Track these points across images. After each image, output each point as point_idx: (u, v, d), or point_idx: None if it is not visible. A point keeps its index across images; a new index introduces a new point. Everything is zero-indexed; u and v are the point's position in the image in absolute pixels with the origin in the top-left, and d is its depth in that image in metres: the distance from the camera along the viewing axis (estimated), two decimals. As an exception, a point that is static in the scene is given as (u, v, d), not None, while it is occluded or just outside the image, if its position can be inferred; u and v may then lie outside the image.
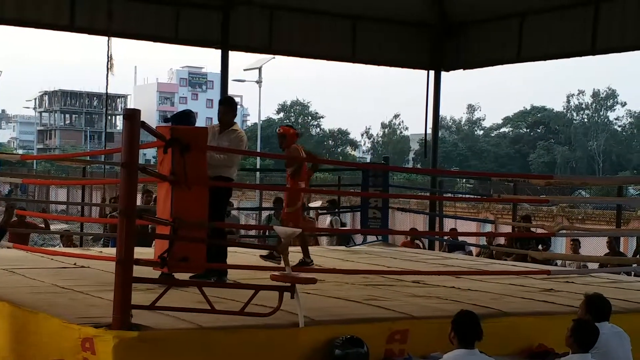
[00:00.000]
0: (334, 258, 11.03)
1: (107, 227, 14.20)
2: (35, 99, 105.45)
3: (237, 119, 8.66)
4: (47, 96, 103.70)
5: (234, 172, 8.06)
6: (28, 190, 43.84)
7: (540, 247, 13.75)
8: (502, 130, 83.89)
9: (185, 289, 6.50)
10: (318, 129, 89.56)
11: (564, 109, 79.20)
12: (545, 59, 16.49)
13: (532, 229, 14.31)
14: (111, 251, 9.62)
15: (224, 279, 7.63)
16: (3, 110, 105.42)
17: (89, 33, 15.14)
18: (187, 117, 7.96)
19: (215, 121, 8.32)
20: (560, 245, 22.24)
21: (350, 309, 6.54)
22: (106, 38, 14.04)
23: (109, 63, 13.21)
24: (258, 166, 42.39)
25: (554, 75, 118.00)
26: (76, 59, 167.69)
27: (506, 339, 6.42)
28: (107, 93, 14.47)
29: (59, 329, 5.55)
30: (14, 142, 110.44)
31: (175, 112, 8.48)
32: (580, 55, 15.76)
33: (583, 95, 77.62)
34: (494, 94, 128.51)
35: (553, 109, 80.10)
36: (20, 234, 13.09)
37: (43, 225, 14.91)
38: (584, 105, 78.03)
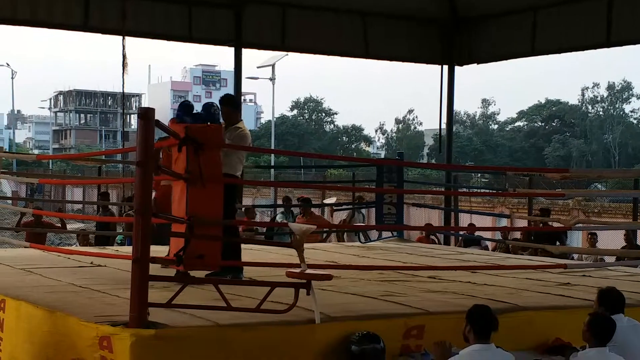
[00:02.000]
0: (349, 254, 11.03)
1: (124, 226, 14.27)
2: (50, 99, 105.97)
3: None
4: (62, 96, 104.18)
5: (238, 170, 7.98)
6: (44, 190, 44.04)
7: (557, 243, 13.67)
8: (516, 124, 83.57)
9: (201, 286, 6.52)
10: (332, 125, 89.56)
11: (579, 102, 78.87)
12: (559, 52, 16.43)
13: (549, 223, 14.25)
14: (127, 250, 9.67)
15: (239, 276, 7.65)
16: (18, 111, 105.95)
17: (103, 33, 15.21)
18: (189, 108, 7.95)
19: None
20: (577, 239, 22.15)
21: (366, 305, 6.54)
22: (119, 37, 14.09)
23: (124, 62, 13.26)
24: (272, 163, 42.48)
25: (569, 68, 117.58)
26: (90, 59, 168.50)
27: (523, 333, 6.41)
28: (123, 92, 14.52)
29: (77, 328, 5.57)
30: (29, 143, 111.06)
31: (181, 103, 8.45)
32: (595, 48, 15.69)
33: (598, 88, 77.33)
34: (509, 87, 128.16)
35: (568, 102, 79.75)
36: (37, 234, 13.18)
37: (60, 225, 15.00)
38: (599, 98, 77.62)
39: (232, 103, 8.19)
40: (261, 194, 35.83)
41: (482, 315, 5.17)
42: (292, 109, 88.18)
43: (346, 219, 16.29)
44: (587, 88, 77.97)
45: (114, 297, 6.50)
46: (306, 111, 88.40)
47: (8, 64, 66.50)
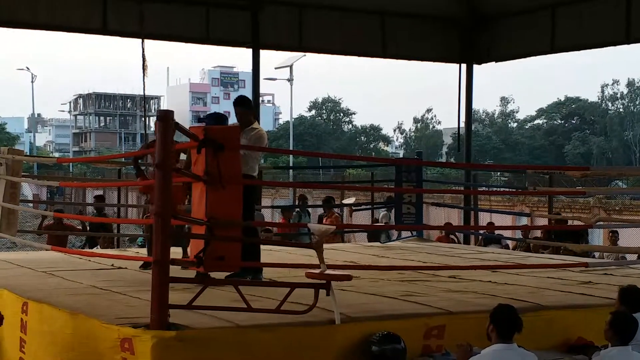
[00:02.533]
0: (369, 254, 11.02)
1: (143, 228, 14.31)
2: (70, 103, 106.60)
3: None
4: (81, 99, 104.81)
5: (255, 170, 7.99)
6: (65, 193, 44.31)
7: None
8: (536, 122, 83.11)
9: (222, 287, 6.53)
10: (350, 125, 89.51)
11: (598, 99, 78.33)
12: (578, 50, 16.34)
13: (569, 222, 14.18)
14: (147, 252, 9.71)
15: (259, 277, 7.66)
16: (39, 115, 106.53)
17: (121, 36, 15.28)
18: (221, 118, 7.96)
19: None
20: (598, 237, 21.99)
21: (387, 305, 6.52)
22: (137, 40, 14.14)
23: (144, 65, 13.30)
24: (291, 164, 42.49)
25: (588, 65, 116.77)
26: (109, 62, 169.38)
27: (545, 332, 6.37)
28: (144, 95, 14.57)
29: (98, 330, 5.60)
30: (50, 146, 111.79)
31: (208, 113, 8.49)
32: (614, 45, 15.59)
33: (618, 84, 76.75)
34: (527, 85, 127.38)
35: (588, 100, 79.22)
36: (58, 237, 13.26)
37: (80, 227, 15.08)
38: (618, 95, 77.06)
39: (245, 104, 8.20)
40: (280, 195, 35.86)
41: (506, 316, 5.13)
42: (310, 110, 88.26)
43: (379, 219, 16.28)
44: (606, 85, 77.51)
45: (135, 299, 6.53)
46: (324, 111, 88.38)
47: (28, 68, 67.04)
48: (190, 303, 5.49)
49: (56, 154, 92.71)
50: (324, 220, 14.02)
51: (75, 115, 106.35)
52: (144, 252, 10.69)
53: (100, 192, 16.72)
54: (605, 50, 16.58)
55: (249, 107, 8.20)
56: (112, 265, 8.83)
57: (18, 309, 6.69)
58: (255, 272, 7.71)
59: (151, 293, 5.25)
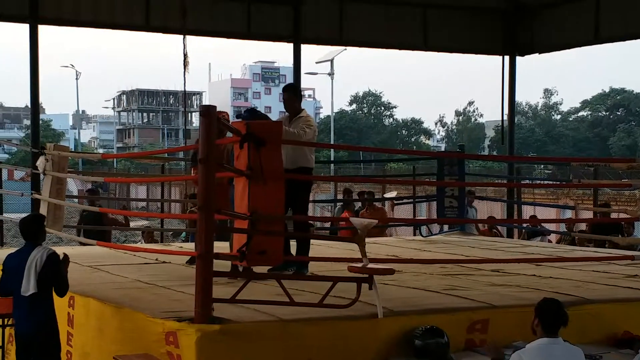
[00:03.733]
0: (411, 248, 10.99)
1: (187, 222, 14.44)
2: (113, 99, 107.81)
3: (310, 111, 8.63)
4: (124, 96, 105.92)
5: (312, 161, 7.97)
6: (109, 188, 44.86)
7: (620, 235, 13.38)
8: (580, 114, 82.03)
9: (265, 281, 6.56)
10: (391, 119, 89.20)
11: (644, 89, 77.00)
12: (624, 40, 16.06)
13: (615, 214, 13.96)
14: (191, 246, 9.79)
15: (303, 271, 7.66)
16: (83, 111, 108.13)
17: (164, 32, 15.39)
18: (255, 112, 7.99)
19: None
20: (644, 230, 21.65)
21: (429, 299, 6.50)
22: (179, 36, 14.24)
23: (185, 61, 13.39)
24: (332, 158, 42.42)
25: (634, 55, 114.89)
26: (152, 58, 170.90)
27: (590, 326, 6.31)
28: (185, 91, 14.67)
29: (143, 324, 5.67)
30: (94, 142, 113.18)
31: (247, 108, 8.50)
32: (661, 34, 15.30)
33: (664, 75, 75.40)
34: (571, 77, 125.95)
35: (633, 91, 77.88)
36: (102, 231, 13.40)
37: (123, 222, 15.22)
38: (665, 86, 75.79)
39: (297, 90, 8.22)
40: (321, 189, 35.88)
41: (552, 310, 5.08)
42: (350, 104, 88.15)
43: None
44: (653, 75, 76.16)
45: (179, 293, 6.60)
46: (365, 105, 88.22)
47: (72, 65, 67.87)
48: (234, 297, 5.53)
49: (100, 150, 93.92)
50: (361, 214, 13.99)
51: (119, 112, 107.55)
52: (188, 246, 10.79)
53: (90, 186, 16.80)
54: (651, 40, 16.31)
55: (298, 94, 8.18)
56: (157, 259, 8.92)
57: (65, 303, 6.79)
58: (300, 266, 7.72)
59: (195, 287, 5.29)
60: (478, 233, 13.98)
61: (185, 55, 13.10)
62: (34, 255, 6.14)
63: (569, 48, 17.51)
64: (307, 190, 7.98)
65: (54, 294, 6.24)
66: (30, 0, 13.50)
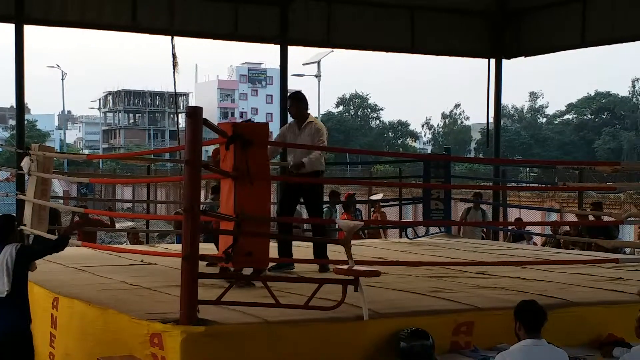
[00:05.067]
0: (397, 250, 11.00)
1: (173, 224, 14.42)
2: (99, 100, 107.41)
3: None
4: (110, 96, 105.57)
5: (324, 164, 8.45)
6: (95, 189, 44.69)
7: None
8: (565, 117, 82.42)
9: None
10: (378, 121, 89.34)
11: (629, 93, 77.41)
12: (609, 43, 16.11)
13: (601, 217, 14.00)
14: (176, 247, 9.77)
15: (284, 270, 7.73)
16: (69, 112, 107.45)
17: (151, 33, 15.35)
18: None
19: (276, 116, 8.46)
20: (629, 233, 21.79)
21: (415, 302, 6.51)
22: (165, 37, 14.20)
23: (174, 62, 13.35)
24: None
25: (618, 59, 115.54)
26: (137, 59, 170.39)
27: (575, 329, 6.33)
28: (175, 92, 14.62)
29: (128, 325, 5.65)
30: (80, 143, 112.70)
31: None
32: (646, 39, 15.38)
33: (648, 79, 75.81)
34: (557, 80, 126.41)
35: (618, 94, 78.34)
36: (88, 233, 13.36)
37: (109, 223, 15.18)
38: (650, 89, 76.18)
39: (304, 99, 8.45)
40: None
41: (530, 309, 5.12)
42: (337, 106, 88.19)
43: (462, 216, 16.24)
44: (637, 79, 76.56)
45: (164, 294, 6.57)
46: (352, 107, 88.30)
47: (58, 66, 67.49)
48: (219, 299, 5.51)
49: (86, 151, 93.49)
50: (373, 216, 14.04)
51: (105, 113, 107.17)
52: (173, 247, 10.76)
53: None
54: (637, 44, 16.42)
55: (300, 101, 8.39)
56: (142, 261, 8.89)
57: (48, 305, 6.76)
58: (280, 265, 7.78)
59: (180, 288, 5.28)
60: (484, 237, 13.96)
61: (174, 56, 13.08)
62: (3, 253, 6.10)
63: (555, 51, 17.57)
64: (321, 193, 8.71)
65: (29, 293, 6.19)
66: (16, 0, 13.44)
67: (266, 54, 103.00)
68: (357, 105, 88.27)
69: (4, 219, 6.54)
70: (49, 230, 10.28)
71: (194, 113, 5.36)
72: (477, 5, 16.89)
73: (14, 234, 6.43)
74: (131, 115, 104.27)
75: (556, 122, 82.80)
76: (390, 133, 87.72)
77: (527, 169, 41.49)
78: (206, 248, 7.01)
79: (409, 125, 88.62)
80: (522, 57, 17.47)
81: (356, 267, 5.79)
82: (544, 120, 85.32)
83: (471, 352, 5.91)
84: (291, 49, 15.69)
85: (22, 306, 6.15)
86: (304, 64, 50.70)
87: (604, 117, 77.86)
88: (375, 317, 5.75)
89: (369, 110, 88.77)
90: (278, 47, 15.60)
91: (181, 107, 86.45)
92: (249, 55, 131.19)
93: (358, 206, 16.10)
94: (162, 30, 14.49)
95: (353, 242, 6.14)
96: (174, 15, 13.84)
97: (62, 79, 67.86)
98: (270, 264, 7.18)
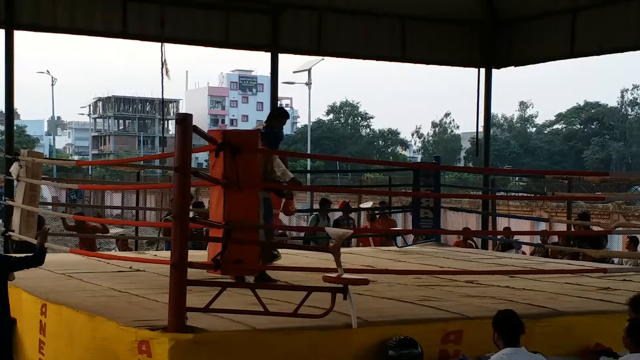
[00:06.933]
0: (386, 259, 11.01)
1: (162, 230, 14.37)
2: (89, 106, 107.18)
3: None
4: (100, 102, 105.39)
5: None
6: (84, 196, 44.55)
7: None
8: (555, 127, 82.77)
9: (239, 290, 6.53)
10: (368, 129, 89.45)
11: (618, 104, 77.80)
12: (599, 54, 16.19)
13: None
14: (165, 254, 9.74)
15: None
16: (58, 118, 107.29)
17: (141, 39, 15.32)
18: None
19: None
20: (617, 243, 21.85)
21: (404, 310, 6.52)
22: (156, 44, 14.21)
23: (164, 68, 13.33)
24: (309, 168, 42.36)
25: (608, 70, 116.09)
26: (128, 65, 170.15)
27: (563, 338, 6.34)
28: (162, 98, 14.62)
29: (116, 332, 5.63)
30: (69, 149, 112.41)
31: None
32: (636, 49, 15.47)
33: (638, 89, 76.23)
34: (546, 90, 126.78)
35: (607, 105, 78.74)
36: (88, 240, 13.31)
37: (101, 229, 15.09)
38: (639, 100, 76.56)
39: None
40: (297, 198, 35.87)
41: (508, 320, 5.17)
42: (328, 114, 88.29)
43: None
44: (626, 90, 77.06)
45: (152, 301, 6.56)
46: (342, 115, 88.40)
47: (48, 71, 67.34)
48: (208, 306, 5.51)
49: (75, 157, 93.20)
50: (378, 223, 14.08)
51: (95, 119, 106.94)
52: (162, 254, 10.72)
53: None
54: (626, 55, 16.48)
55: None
56: (130, 267, 8.87)
57: (37, 311, 6.74)
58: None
59: (169, 295, 5.27)
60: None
61: (164, 63, 13.07)
62: None
63: (545, 61, 17.64)
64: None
65: (9, 302, 6.16)
66: (6, 5, 13.40)
67: (257, 61, 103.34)
68: (347, 113, 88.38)
69: None
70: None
71: (184, 120, 5.36)
72: (467, 15, 16.94)
73: None
74: (121, 121, 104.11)
75: (545, 131, 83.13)
76: (380, 141, 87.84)
77: (517, 178, 41.60)
78: (195, 255, 7.00)
79: (399, 133, 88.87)
80: (512, 67, 17.55)
81: (345, 275, 5.79)
82: (534, 129, 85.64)
83: (459, 361, 5.92)
84: (282, 57, 15.70)
85: (2, 313, 6.12)
86: (294, 72, 50.71)
87: (593, 127, 78.24)
88: (364, 325, 5.76)
89: (359, 118, 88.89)
90: (269, 54, 15.61)
91: (172, 114, 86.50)
92: (240, 63, 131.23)
93: (351, 215, 16.09)
94: (152, 37, 14.48)
95: (342, 250, 6.15)
96: (164, 22, 13.83)
97: (52, 85, 67.74)
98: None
